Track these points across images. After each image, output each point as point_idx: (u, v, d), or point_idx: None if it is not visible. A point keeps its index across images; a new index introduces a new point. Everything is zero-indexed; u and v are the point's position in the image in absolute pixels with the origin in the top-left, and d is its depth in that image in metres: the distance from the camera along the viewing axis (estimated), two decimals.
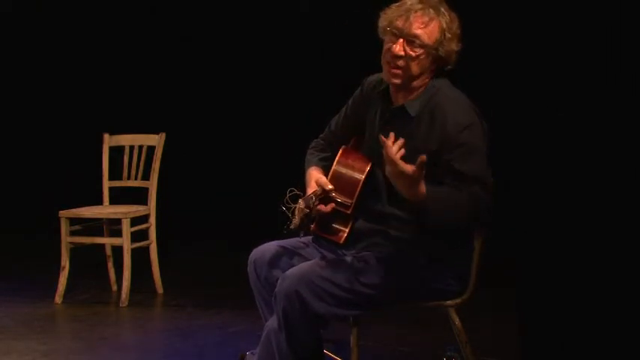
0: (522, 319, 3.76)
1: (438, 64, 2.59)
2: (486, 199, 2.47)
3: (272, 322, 2.57)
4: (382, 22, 2.58)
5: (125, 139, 4.86)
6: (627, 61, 4.46)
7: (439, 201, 2.39)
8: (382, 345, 3.77)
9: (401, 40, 2.52)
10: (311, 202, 2.52)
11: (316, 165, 2.78)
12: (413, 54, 2.52)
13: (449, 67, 2.61)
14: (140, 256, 4.73)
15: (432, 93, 2.58)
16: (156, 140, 4.77)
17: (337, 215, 2.63)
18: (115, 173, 4.85)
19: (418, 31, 2.51)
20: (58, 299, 4.62)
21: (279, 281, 2.52)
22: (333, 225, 2.66)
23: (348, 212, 2.60)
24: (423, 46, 2.52)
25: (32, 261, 5.70)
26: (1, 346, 3.79)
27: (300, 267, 2.54)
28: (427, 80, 2.60)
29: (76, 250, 4.64)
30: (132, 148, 4.83)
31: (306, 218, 2.53)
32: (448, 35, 2.54)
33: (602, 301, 3.60)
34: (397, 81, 2.56)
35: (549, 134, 4.81)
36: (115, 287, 4.88)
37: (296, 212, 2.56)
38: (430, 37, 2.52)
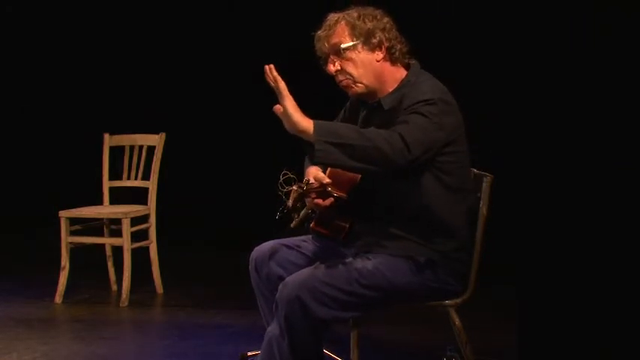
0: (522, 318, 3.76)
1: (379, 52, 2.61)
2: (398, 148, 2.40)
3: (273, 329, 2.56)
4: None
5: (125, 139, 4.86)
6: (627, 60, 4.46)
7: (336, 128, 2.42)
8: (382, 345, 3.76)
9: (329, 60, 2.63)
10: (305, 184, 2.49)
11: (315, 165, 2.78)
12: (344, 60, 2.60)
13: (398, 47, 2.63)
14: (140, 256, 4.72)
15: (406, 86, 2.62)
16: (156, 140, 4.76)
17: (336, 211, 2.63)
18: (115, 173, 4.85)
19: (333, 41, 2.61)
20: (58, 299, 4.61)
21: (279, 288, 2.52)
22: (333, 221, 2.66)
23: (346, 207, 2.59)
24: (345, 48, 2.60)
25: (32, 261, 5.70)
26: (1, 346, 3.78)
27: (300, 273, 2.54)
28: (401, 75, 2.65)
29: (76, 250, 4.64)
30: (132, 148, 4.83)
31: (300, 198, 2.50)
32: (359, 22, 2.60)
33: (602, 301, 3.59)
34: (353, 90, 2.64)
35: (549, 133, 4.81)
36: (115, 287, 4.87)
37: (290, 195, 2.53)
38: (343, 36, 2.61)
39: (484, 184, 2.77)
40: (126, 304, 4.56)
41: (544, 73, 4.92)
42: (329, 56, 2.63)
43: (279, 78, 2.38)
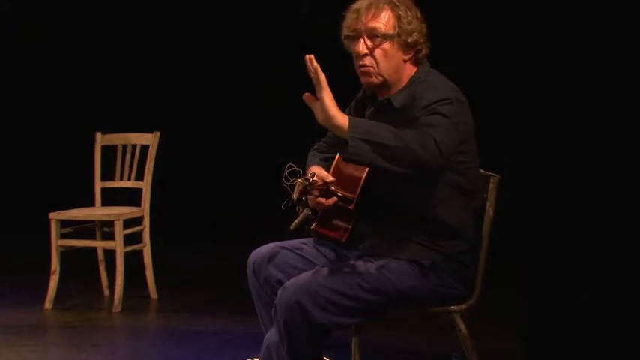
0: (528, 324, 3.74)
1: (410, 52, 2.61)
2: (431, 151, 2.37)
3: (272, 335, 2.54)
4: (342, 33, 2.65)
5: (118, 138, 4.82)
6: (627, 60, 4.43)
7: (371, 126, 2.38)
8: (384, 352, 3.73)
9: (362, 39, 2.59)
10: (310, 177, 2.47)
11: (317, 164, 2.77)
12: (377, 47, 2.58)
13: (423, 52, 2.63)
14: (133, 260, 4.69)
15: (416, 83, 2.61)
16: (150, 139, 4.74)
17: (339, 212, 2.59)
18: (108, 173, 4.81)
19: (374, 24, 2.59)
20: (49, 305, 4.58)
21: (279, 292, 2.49)
22: (335, 222, 2.62)
23: (351, 208, 2.56)
24: (383, 36, 2.57)
25: (21, 265, 5.69)
26: None
27: (300, 277, 2.51)
28: (412, 72, 2.63)
29: (66, 254, 4.61)
30: (125, 147, 4.79)
31: (305, 191, 2.47)
32: (404, 18, 2.59)
33: (613, 309, 3.58)
34: (371, 79, 2.60)
35: (552, 135, 4.77)
36: (107, 292, 4.86)
37: (295, 188, 2.49)
38: (387, 26, 2.59)
39: (491, 185, 2.75)
40: (119, 309, 4.52)
41: (550, 75, 4.87)
42: (361, 35, 2.59)
43: (319, 69, 2.36)
